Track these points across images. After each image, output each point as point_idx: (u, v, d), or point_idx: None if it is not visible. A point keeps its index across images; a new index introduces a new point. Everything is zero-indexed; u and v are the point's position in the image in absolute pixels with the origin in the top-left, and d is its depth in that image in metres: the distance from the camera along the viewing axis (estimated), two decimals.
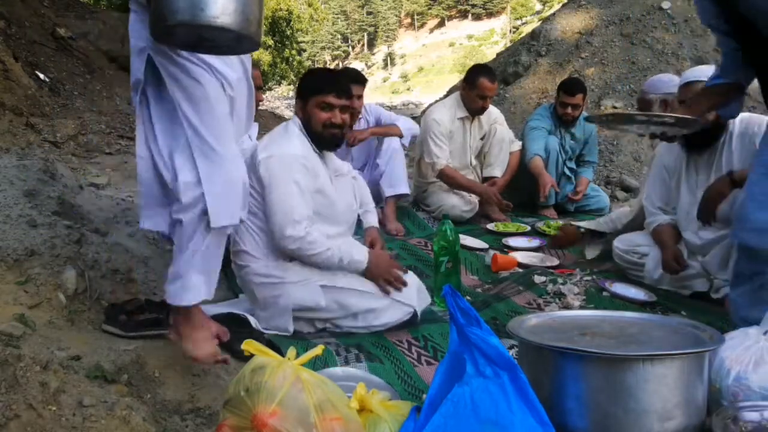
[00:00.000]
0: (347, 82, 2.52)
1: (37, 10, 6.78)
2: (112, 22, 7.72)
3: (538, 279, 2.89)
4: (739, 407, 1.49)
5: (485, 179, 4.19)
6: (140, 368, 1.80)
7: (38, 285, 2.03)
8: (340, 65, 73.38)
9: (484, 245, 3.58)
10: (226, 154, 1.78)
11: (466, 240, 3.51)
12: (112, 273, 2.35)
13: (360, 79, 3.77)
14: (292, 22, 28.10)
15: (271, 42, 25.75)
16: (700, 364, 1.48)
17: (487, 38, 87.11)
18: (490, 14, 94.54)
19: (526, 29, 34.25)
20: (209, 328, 1.88)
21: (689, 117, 2.09)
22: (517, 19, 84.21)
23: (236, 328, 2.12)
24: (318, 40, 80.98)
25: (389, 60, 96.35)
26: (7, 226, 2.16)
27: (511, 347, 2.06)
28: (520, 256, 3.36)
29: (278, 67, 26.90)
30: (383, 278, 2.37)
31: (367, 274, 2.37)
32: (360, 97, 3.73)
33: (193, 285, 1.80)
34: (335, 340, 2.28)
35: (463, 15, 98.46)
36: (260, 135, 2.48)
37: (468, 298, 2.79)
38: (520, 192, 4.28)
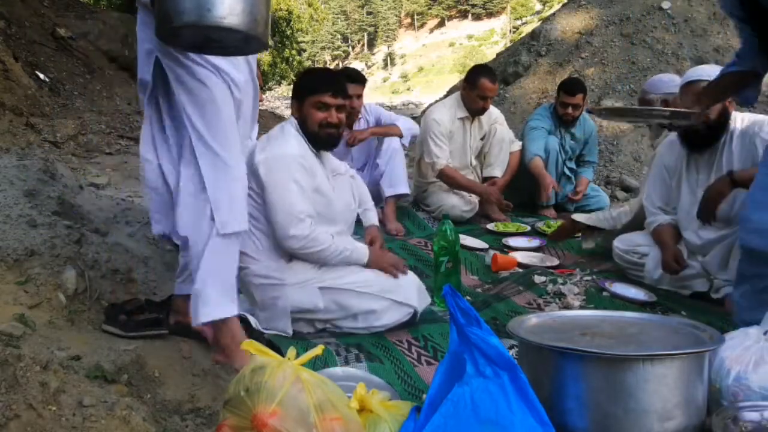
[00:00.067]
0: (343, 82, 2.52)
1: (37, 10, 6.78)
2: (112, 22, 7.71)
3: (538, 279, 2.89)
4: (739, 407, 1.49)
5: (485, 179, 4.18)
6: (140, 368, 1.80)
7: (38, 285, 2.02)
8: (340, 65, 73.33)
9: (484, 245, 3.58)
10: (230, 159, 1.78)
11: (466, 240, 3.51)
12: (112, 273, 2.35)
13: (359, 79, 3.77)
14: (292, 22, 28.12)
15: (271, 42, 25.75)
16: (700, 364, 1.48)
17: (487, 38, 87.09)
18: (490, 14, 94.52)
19: (526, 29, 34.24)
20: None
21: (686, 110, 2.11)
22: (517, 19, 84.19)
23: None
24: (318, 40, 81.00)
25: (389, 60, 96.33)
26: (7, 226, 2.16)
27: (511, 347, 2.06)
28: (520, 256, 3.35)
29: (278, 67, 26.92)
30: (385, 265, 2.41)
31: (370, 263, 2.40)
32: (360, 96, 3.73)
33: (211, 299, 1.79)
34: (335, 340, 2.28)
35: (463, 15, 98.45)
36: (259, 135, 2.49)
37: (468, 298, 2.79)
38: (520, 192, 4.28)
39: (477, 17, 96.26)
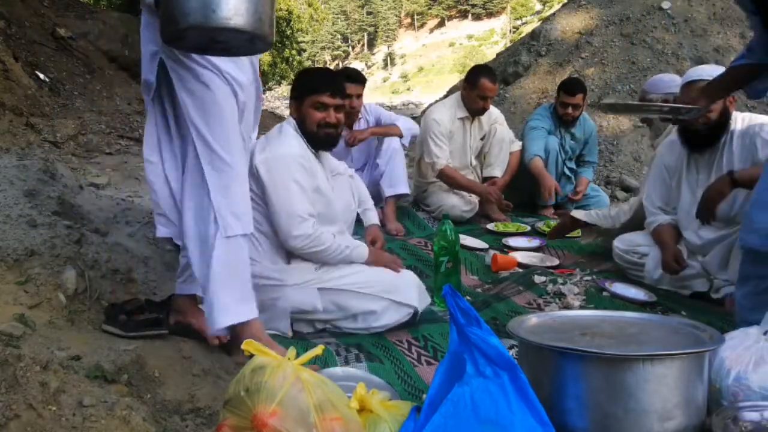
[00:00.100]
0: (341, 81, 2.52)
1: (37, 10, 6.77)
2: (112, 22, 7.70)
3: (538, 279, 2.89)
4: (739, 407, 1.49)
5: (485, 179, 4.18)
6: (140, 368, 1.80)
7: (38, 285, 2.02)
8: (340, 65, 73.37)
9: (484, 245, 3.58)
10: (233, 162, 1.78)
11: (466, 240, 3.51)
12: (112, 273, 2.35)
13: (359, 79, 3.77)
14: (292, 22, 28.10)
15: None
16: (700, 364, 1.48)
17: (487, 38, 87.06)
18: (490, 14, 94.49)
19: (526, 29, 34.25)
20: (271, 344, 1.88)
21: (686, 106, 2.13)
22: (517, 19, 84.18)
23: None
24: (318, 40, 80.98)
25: (389, 60, 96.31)
26: (7, 226, 2.16)
27: (511, 347, 2.06)
28: (520, 256, 3.36)
29: (278, 67, 26.90)
30: (385, 262, 2.44)
31: (370, 261, 2.43)
32: (359, 96, 3.73)
33: (224, 305, 1.79)
34: (335, 341, 2.28)
35: (463, 15, 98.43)
36: (259, 135, 2.48)
37: (468, 298, 2.79)
38: (520, 192, 4.28)
39: (477, 17, 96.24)
